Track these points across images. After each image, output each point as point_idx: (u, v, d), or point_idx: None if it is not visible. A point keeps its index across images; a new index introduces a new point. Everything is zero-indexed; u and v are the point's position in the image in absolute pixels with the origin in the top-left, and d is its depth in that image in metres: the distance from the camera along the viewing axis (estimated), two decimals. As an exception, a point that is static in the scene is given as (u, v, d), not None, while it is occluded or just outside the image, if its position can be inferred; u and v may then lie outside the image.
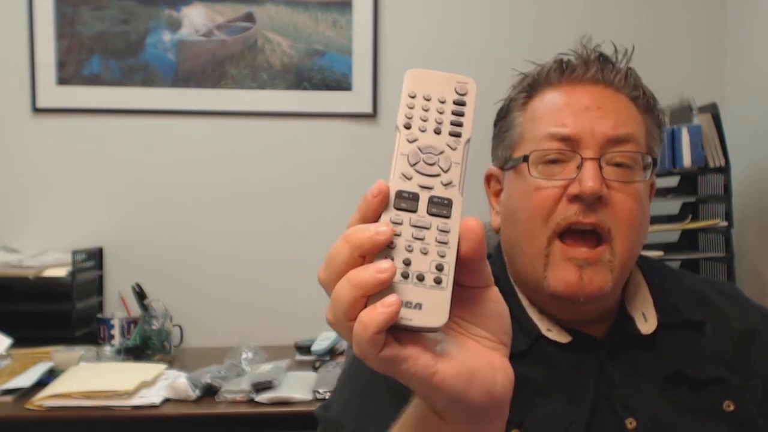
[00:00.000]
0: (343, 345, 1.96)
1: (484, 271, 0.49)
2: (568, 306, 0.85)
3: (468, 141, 0.49)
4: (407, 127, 0.48)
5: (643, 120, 0.87)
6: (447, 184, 0.47)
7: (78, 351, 1.85)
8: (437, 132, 0.49)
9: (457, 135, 0.49)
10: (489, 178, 0.95)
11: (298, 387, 1.70)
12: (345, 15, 2.31)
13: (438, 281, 0.46)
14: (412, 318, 0.45)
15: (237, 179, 2.32)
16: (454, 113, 0.49)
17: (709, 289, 0.94)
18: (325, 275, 0.47)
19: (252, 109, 2.31)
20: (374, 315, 0.44)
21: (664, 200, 2.10)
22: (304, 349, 2.03)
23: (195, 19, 2.28)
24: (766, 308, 0.97)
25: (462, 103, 0.50)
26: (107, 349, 1.97)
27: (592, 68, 0.86)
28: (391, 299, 0.44)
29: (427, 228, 0.46)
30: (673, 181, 2.16)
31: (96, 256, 2.23)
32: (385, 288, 0.44)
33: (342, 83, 2.32)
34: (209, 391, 1.68)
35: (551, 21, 2.38)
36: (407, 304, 0.45)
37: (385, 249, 0.45)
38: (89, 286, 2.18)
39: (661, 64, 2.33)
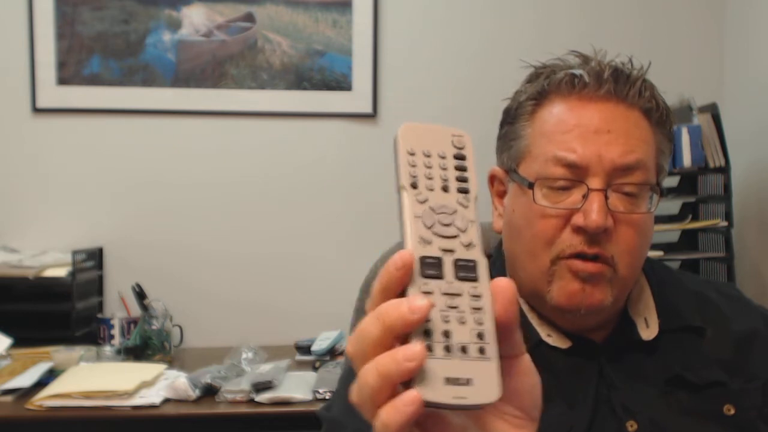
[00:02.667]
0: (343, 345, 1.96)
1: (518, 337, 0.46)
2: (569, 317, 0.85)
3: (476, 198, 0.47)
4: (414, 186, 0.45)
5: (654, 137, 0.85)
6: (468, 245, 0.45)
7: (78, 351, 1.85)
8: (445, 189, 0.46)
9: (466, 191, 0.46)
10: (492, 179, 0.94)
11: (298, 387, 1.70)
12: (345, 15, 2.31)
13: (482, 351, 0.42)
14: (466, 396, 0.41)
15: (237, 179, 2.32)
16: (457, 168, 0.47)
17: (709, 291, 0.94)
18: (354, 351, 0.44)
19: (252, 109, 2.31)
20: (394, 415, 0.40)
21: (664, 200, 2.09)
22: (304, 349, 2.03)
23: (195, 19, 2.28)
24: (766, 309, 0.97)
25: (462, 158, 0.47)
26: (107, 349, 1.96)
27: (605, 85, 0.83)
28: (410, 396, 0.40)
29: (459, 295, 0.43)
30: (673, 181, 2.16)
31: (96, 256, 2.23)
32: (429, 368, 0.41)
33: (342, 83, 2.32)
34: (209, 391, 1.68)
35: (551, 21, 2.37)
36: (457, 381, 0.41)
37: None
38: (89, 286, 2.18)
39: (661, 64, 2.30)
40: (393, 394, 0.41)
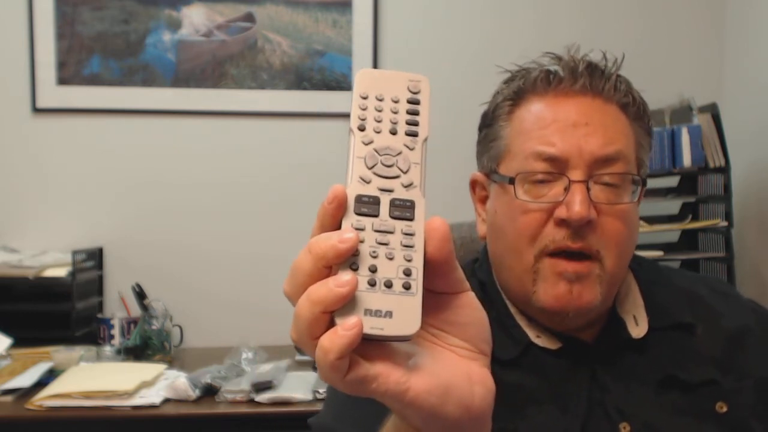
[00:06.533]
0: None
1: (455, 275, 0.47)
2: (557, 319, 0.84)
3: (425, 140, 0.47)
4: (361, 129, 0.47)
5: (632, 130, 0.85)
6: (408, 186, 0.46)
7: (78, 351, 1.85)
8: (393, 132, 0.47)
9: (414, 135, 0.47)
10: (474, 184, 0.93)
11: (298, 387, 1.70)
12: (345, 15, 2.31)
13: (407, 287, 0.44)
14: (383, 327, 0.43)
15: (237, 179, 2.32)
16: (409, 112, 0.48)
17: (699, 287, 0.94)
18: (289, 288, 0.45)
19: (252, 109, 2.31)
20: (335, 339, 0.42)
21: (664, 200, 2.10)
22: (304, 349, 2.03)
23: (195, 19, 2.28)
24: (757, 304, 0.96)
25: (416, 102, 0.48)
26: (107, 349, 1.97)
27: (581, 79, 0.83)
28: (351, 321, 0.42)
29: (391, 232, 0.44)
30: (673, 181, 2.16)
31: (96, 256, 2.23)
32: (351, 300, 0.42)
33: (342, 83, 2.32)
34: (209, 391, 1.68)
35: (551, 21, 2.37)
36: (377, 313, 0.43)
37: (350, 256, 0.43)
38: (89, 286, 2.18)
39: (661, 65, 2.33)
40: (328, 325, 0.43)
